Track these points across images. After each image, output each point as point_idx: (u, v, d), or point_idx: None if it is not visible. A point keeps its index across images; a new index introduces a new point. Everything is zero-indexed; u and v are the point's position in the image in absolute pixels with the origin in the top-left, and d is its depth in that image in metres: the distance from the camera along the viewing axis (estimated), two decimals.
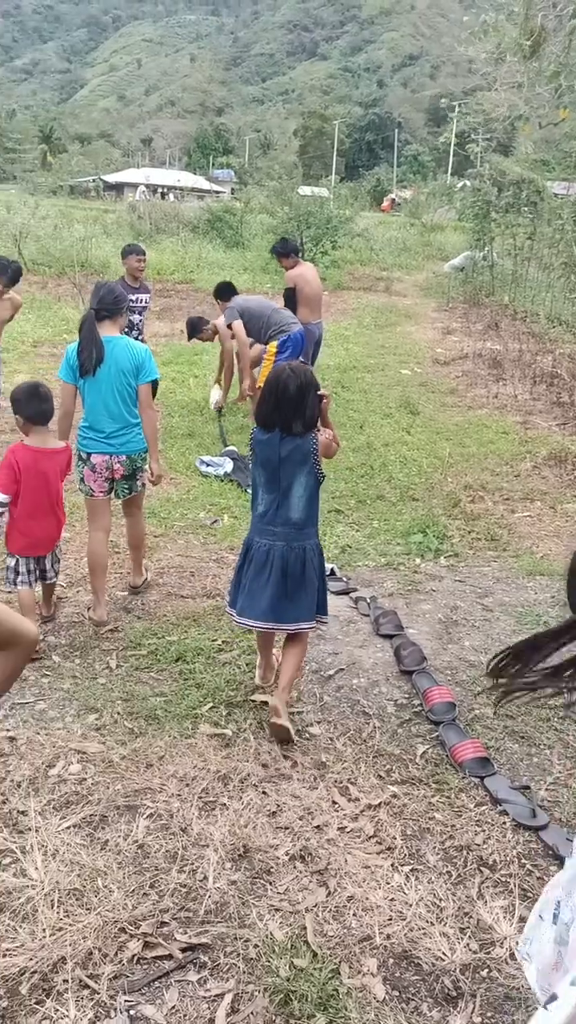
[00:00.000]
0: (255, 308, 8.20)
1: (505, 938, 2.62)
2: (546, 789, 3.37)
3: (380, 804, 3.21)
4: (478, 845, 3.03)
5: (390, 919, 2.68)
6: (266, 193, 25.35)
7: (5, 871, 2.75)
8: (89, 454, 4.55)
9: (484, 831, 3.10)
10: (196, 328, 9.25)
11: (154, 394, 5.06)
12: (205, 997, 2.37)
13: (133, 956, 2.48)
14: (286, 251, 9.18)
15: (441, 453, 8.01)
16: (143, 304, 8.51)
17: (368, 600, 4.92)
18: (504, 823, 3.15)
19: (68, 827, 2.99)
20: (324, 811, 3.16)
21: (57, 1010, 2.31)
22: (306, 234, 19.97)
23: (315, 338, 9.25)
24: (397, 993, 2.43)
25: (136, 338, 7.78)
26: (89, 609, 4.66)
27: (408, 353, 13.17)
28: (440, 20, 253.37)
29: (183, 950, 2.51)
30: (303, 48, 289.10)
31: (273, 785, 3.29)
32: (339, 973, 2.46)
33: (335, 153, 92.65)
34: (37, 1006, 2.32)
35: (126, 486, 4.73)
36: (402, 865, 2.92)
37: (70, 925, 2.56)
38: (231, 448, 7.76)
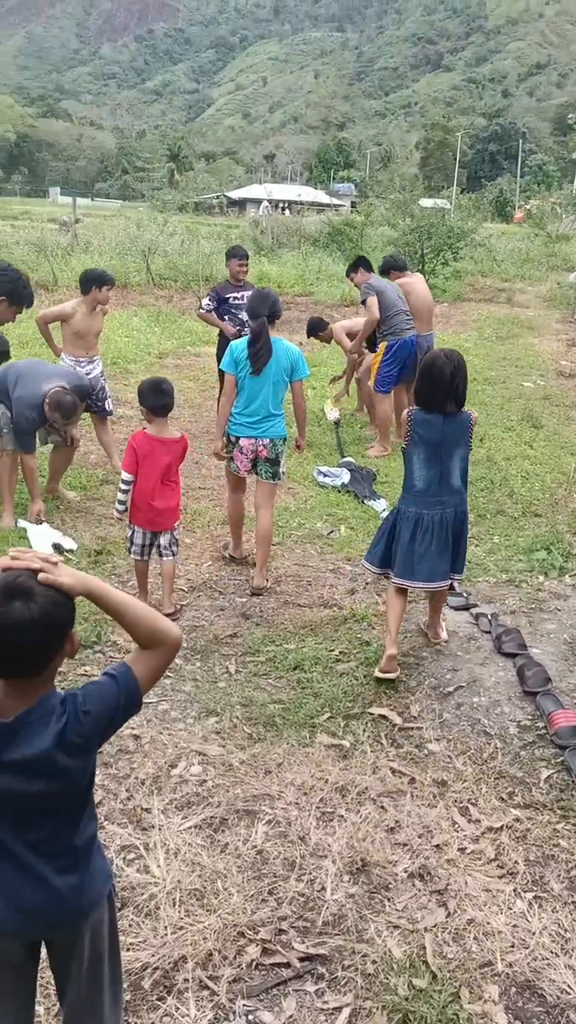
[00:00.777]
0: (389, 299, 8.14)
1: None
2: None
3: (502, 827, 3.12)
4: None
5: (512, 946, 2.60)
6: (387, 205, 25.32)
7: (130, 866, 2.82)
8: (238, 438, 5.20)
9: None
10: (316, 328, 9.38)
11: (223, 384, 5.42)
12: (323, 1009, 2.36)
13: (252, 961, 2.49)
14: (397, 266, 9.01)
15: (566, 468, 7.76)
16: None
17: (489, 617, 4.80)
18: None
19: (189, 827, 3.04)
20: (444, 830, 3.09)
21: (178, 1008, 2.34)
22: (427, 245, 19.81)
23: (424, 350, 9.17)
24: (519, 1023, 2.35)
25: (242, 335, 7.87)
26: (226, 548, 5.56)
27: (530, 365, 12.86)
28: (569, 28, 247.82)
29: (301, 959, 2.51)
30: (427, 60, 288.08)
31: (391, 800, 3.25)
32: (459, 997, 2.40)
33: (457, 164, 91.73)
34: (158, 1002, 2.36)
35: (270, 469, 5.25)
36: (525, 891, 2.83)
37: (191, 925, 2.60)
38: (348, 459, 7.75)
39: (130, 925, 2.58)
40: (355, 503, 6.82)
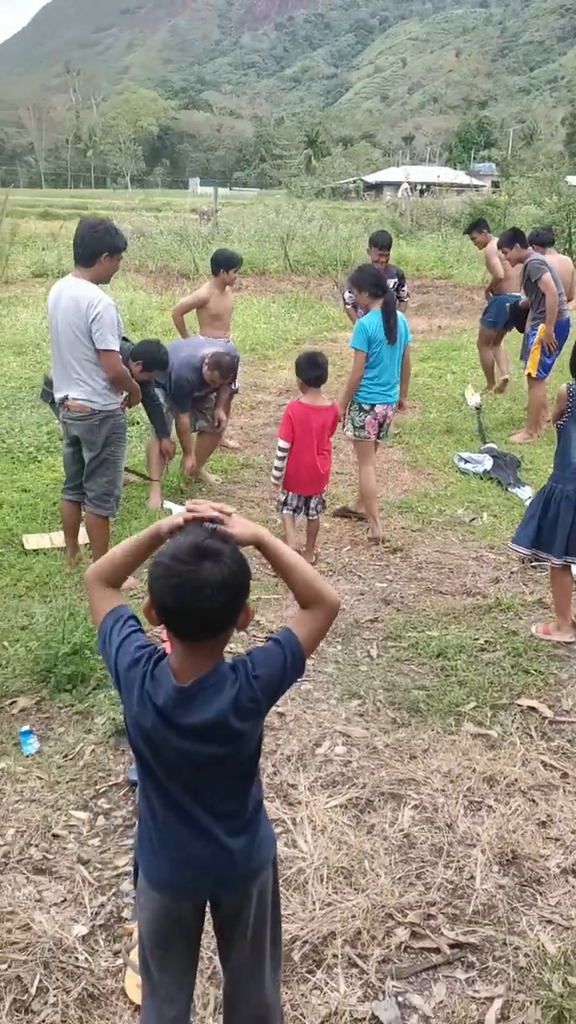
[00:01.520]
0: (554, 278, 7.72)
1: None
2: None
3: None
4: None
5: None
6: (531, 183, 24.48)
7: (278, 840, 2.86)
8: (373, 405, 5.60)
9: None
10: (477, 227, 9.44)
11: None
12: (474, 998, 2.32)
13: (401, 944, 2.49)
14: (545, 240, 8.64)
15: None
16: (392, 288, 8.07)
17: None
18: None
19: (335, 806, 3.06)
20: None
21: (327, 983, 2.36)
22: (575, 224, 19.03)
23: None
24: None
25: None
26: (368, 530, 5.73)
27: None
28: None
29: (451, 946, 2.48)
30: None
31: (542, 794, 3.16)
32: None
33: None
34: (308, 975, 2.39)
35: (387, 430, 5.90)
36: None
37: (339, 902, 2.61)
38: (491, 445, 7.56)
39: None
40: (498, 490, 6.65)
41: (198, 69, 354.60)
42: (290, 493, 5.17)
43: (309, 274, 18.46)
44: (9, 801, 3.10)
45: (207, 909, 1.85)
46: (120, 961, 2.45)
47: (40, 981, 2.38)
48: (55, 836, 2.94)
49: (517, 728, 3.57)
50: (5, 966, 2.42)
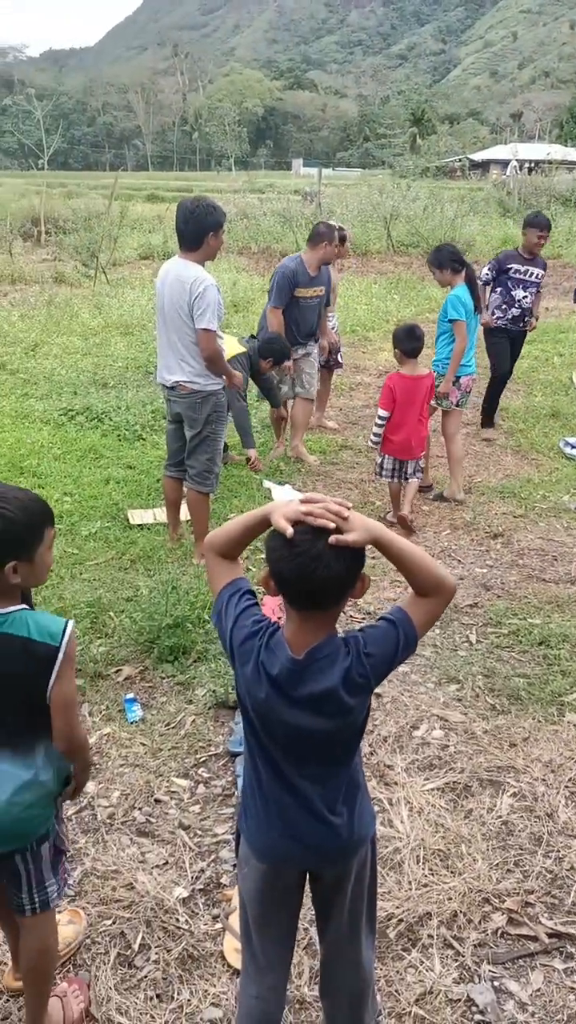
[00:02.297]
0: None
1: None
2: None
3: None
4: None
5: None
6: None
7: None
8: (459, 376, 5.94)
9: None
10: None
11: None
12: (572, 988, 2.29)
13: (498, 929, 2.47)
14: None
15: None
16: (535, 279, 7.43)
17: None
18: None
19: (432, 789, 3.05)
20: None
21: (423, 962, 2.37)
22: None
23: None
24: None
25: (519, 317, 7.51)
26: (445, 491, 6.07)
27: None
28: None
29: (549, 935, 2.45)
30: None
31: None
32: None
33: None
34: (403, 953, 2.40)
35: (467, 398, 6.16)
36: None
37: (435, 884, 2.61)
38: None
39: None
40: None
41: (304, 48, 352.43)
42: (386, 456, 5.48)
43: (412, 254, 18.20)
44: (114, 764, 3.22)
45: (307, 881, 1.88)
46: (219, 925, 2.52)
47: (143, 939, 2.47)
48: (157, 801, 3.03)
49: None
50: (110, 921, 2.52)
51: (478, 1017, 2.22)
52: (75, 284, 14.77)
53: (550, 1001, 2.27)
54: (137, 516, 5.49)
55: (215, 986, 2.32)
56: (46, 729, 1.91)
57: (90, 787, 3.08)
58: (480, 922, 2.49)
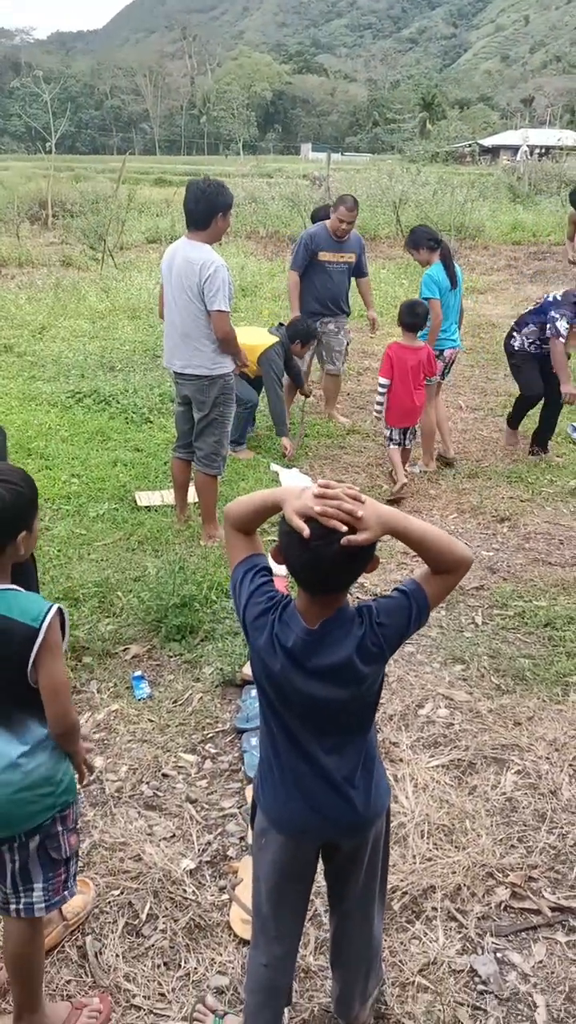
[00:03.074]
0: None
1: None
2: None
3: None
4: None
5: None
6: None
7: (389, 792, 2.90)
8: (442, 350, 6.26)
9: None
10: None
11: None
12: (574, 960, 2.32)
13: (501, 902, 2.50)
14: None
15: None
16: None
17: None
18: None
19: (437, 766, 3.07)
20: None
21: (426, 933, 2.40)
22: None
23: None
24: None
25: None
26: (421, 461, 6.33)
27: None
28: None
29: (552, 909, 2.47)
30: None
31: None
32: None
33: None
34: (407, 924, 2.44)
35: (451, 369, 6.61)
36: None
37: (440, 858, 2.64)
38: None
39: None
40: None
41: (313, 32, 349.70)
42: (394, 428, 5.89)
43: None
44: (122, 740, 3.25)
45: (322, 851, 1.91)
46: (225, 896, 2.55)
47: (150, 908, 2.50)
48: (165, 775, 3.07)
49: None
50: (118, 892, 2.56)
51: (481, 987, 2.26)
52: (82, 267, 14.75)
53: (552, 973, 2.30)
54: (144, 498, 5.51)
55: (221, 955, 2.36)
56: (37, 708, 1.90)
57: (98, 762, 3.12)
58: (484, 896, 2.52)
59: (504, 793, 2.94)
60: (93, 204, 17.77)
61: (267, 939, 1.95)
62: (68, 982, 2.28)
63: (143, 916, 2.48)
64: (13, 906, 1.97)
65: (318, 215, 7.58)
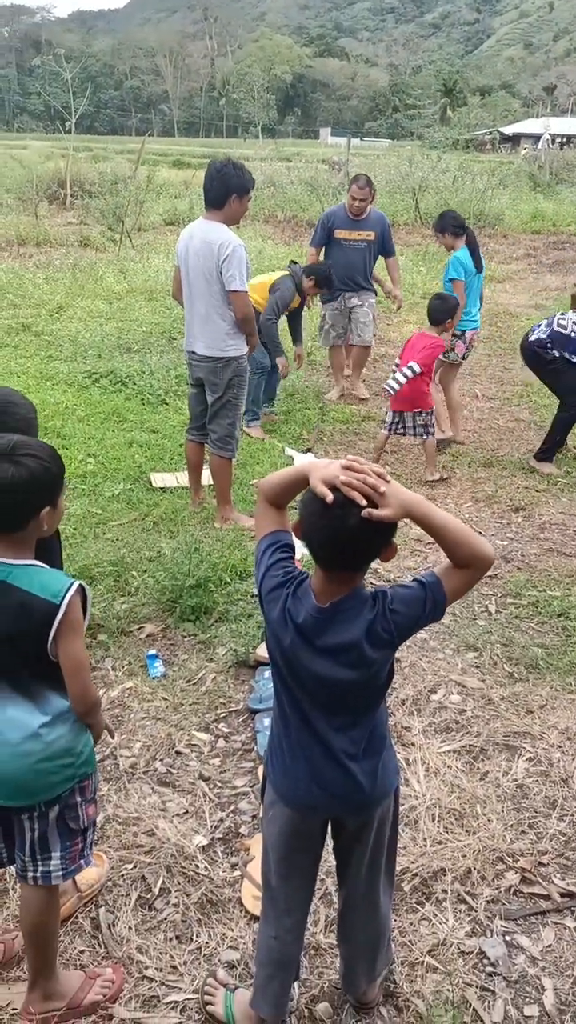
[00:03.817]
0: None
1: None
2: None
3: None
4: None
5: None
6: None
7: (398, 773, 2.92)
8: (463, 331, 6.36)
9: None
10: None
11: None
12: None
13: (510, 887, 2.52)
14: None
15: None
16: None
17: None
18: None
19: (448, 751, 3.09)
20: None
21: (436, 915, 2.42)
22: None
23: None
24: None
25: None
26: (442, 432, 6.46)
27: None
28: None
29: (562, 895, 2.49)
30: None
31: None
32: None
33: None
34: (417, 906, 2.46)
35: (471, 351, 6.77)
36: None
37: (450, 841, 2.66)
38: None
39: None
40: None
41: (335, 15, 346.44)
42: (390, 411, 5.94)
43: None
44: (136, 717, 3.28)
45: (330, 827, 1.93)
46: (237, 873, 2.57)
47: (163, 883, 2.53)
48: (178, 753, 3.09)
49: None
50: (132, 866, 2.58)
51: (489, 969, 2.27)
52: (100, 248, 14.73)
53: (560, 957, 2.31)
54: (160, 479, 5.52)
55: (233, 930, 2.38)
56: (58, 682, 1.92)
57: (112, 738, 3.14)
58: (493, 880, 2.54)
59: (515, 780, 2.96)
60: (112, 185, 17.71)
61: (276, 911, 1.98)
62: (81, 952, 2.31)
63: (156, 890, 2.51)
64: (31, 874, 2.00)
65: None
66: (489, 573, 4.53)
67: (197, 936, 2.37)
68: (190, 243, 4.63)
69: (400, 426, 5.91)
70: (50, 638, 1.86)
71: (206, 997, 2.14)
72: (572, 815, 2.81)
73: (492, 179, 20.59)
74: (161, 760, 3.05)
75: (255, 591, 1.84)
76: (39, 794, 1.93)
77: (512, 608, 4.22)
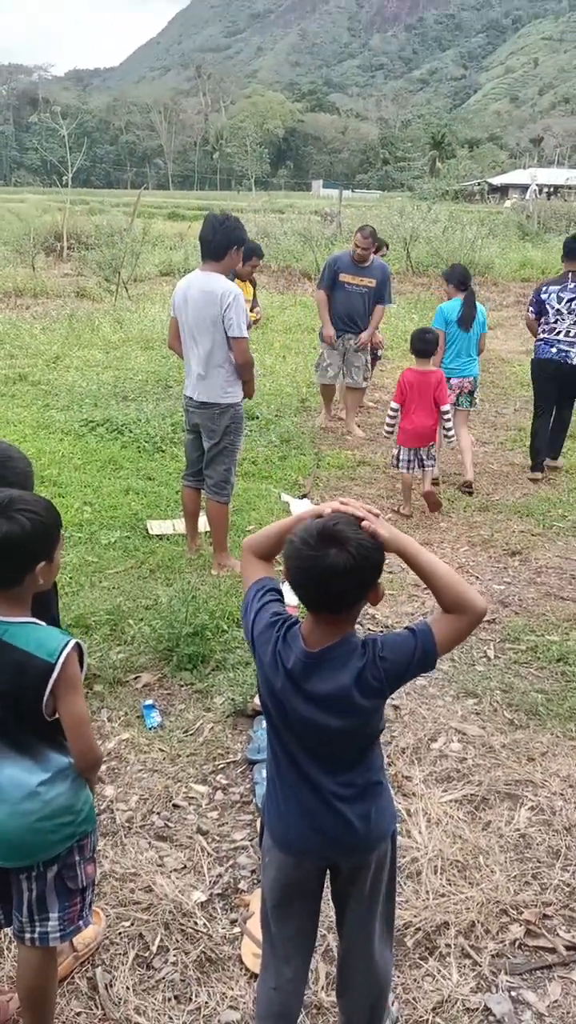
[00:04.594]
0: None
1: None
2: None
3: None
4: None
5: None
6: None
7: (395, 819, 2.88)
8: (449, 379, 6.54)
9: None
10: None
11: None
12: None
13: (515, 940, 2.47)
14: None
15: None
16: None
17: None
18: None
19: (450, 800, 3.05)
20: None
21: (440, 971, 2.37)
22: None
23: None
24: None
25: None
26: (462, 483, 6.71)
27: None
28: None
29: (567, 947, 2.44)
30: None
31: None
32: None
33: None
34: (420, 961, 2.41)
35: (468, 400, 6.85)
36: None
37: (453, 894, 2.62)
38: None
39: None
40: None
41: (326, 71, 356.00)
42: (402, 448, 6.11)
43: (432, 275, 18.30)
44: (133, 769, 3.24)
45: (328, 874, 1.91)
46: (237, 929, 2.52)
47: (161, 940, 2.48)
48: (175, 806, 3.05)
49: None
50: (129, 923, 2.53)
51: None
52: (96, 299, 14.93)
53: (567, 1012, 2.26)
54: (156, 527, 5.53)
55: (233, 989, 2.33)
56: (56, 739, 1.91)
57: (108, 791, 3.11)
58: (498, 933, 2.49)
59: (518, 829, 2.92)
60: (108, 237, 18.00)
61: (276, 960, 1.94)
62: (78, 1014, 2.26)
63: (154, 948, 2.46)
64: (28, 935, 1.96)
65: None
66: (487, 618, 4.56)
67: (196, 996, 2.32)
68: (188, 293, 4.71)
69: (420, 461, 6.15)
70: (45, 697, 1.84)
71: None
72: None
73: (481, 229, 20.96)
74: (158, 813, 3.00)
75: (246, 636, 1.84)
76: (38, 854, 1.90)
77: (511, 653, 4.21)
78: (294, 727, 1.75)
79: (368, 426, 8.30)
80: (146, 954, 2.44)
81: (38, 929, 1.95)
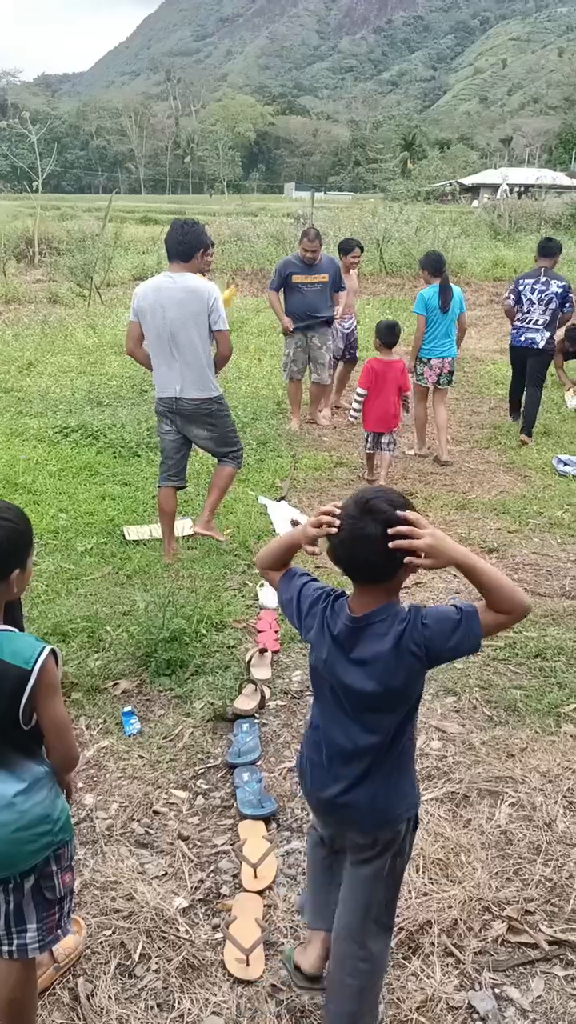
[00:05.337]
0: None
1: None
2: None
3: None
4: None
5: None
6: None
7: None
8: (429, 359, 7.18)
9: None
10: None
11: None
12: (573, 995, 2.30)
13: (498, 937, 2.47)
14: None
15: None
16: None
17: None
18: None
19: (431, 799, 3.05)
20: None
21: (423, 970, 2.37)
22: None
23: None
24: None
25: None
26: (411, 449, 7.56)
27: None
28: None
29: (550, 943, 2.45)
30: None
31: None
32: None
33: None
34: (404, 961, 2.40)
35: (448, 379, 7.32)
36: None
37: (435, 892, 2.62)
38: None
39: None
40: None
41: (296, 74, 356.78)
42: (370, 433, 6.56)
43: (404, 275, 18.37)
44: (112, 777, 3.21)
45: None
46: (219, 935, 2.51)
47: (143, 948, 2.46)
48: (156, 813, 3.03)
49: None
50: (110, 932, 2.51)
51: None
52: (69, 304, 14.85)
53: (551, 1008, 2.27)
54: (133, 532, 5.50)
55: (216, 995, 2.31)
56: (31, 750, 1.89)
57: (88, 799, 3.08)
58: (480, 930, 2.50)
59: (499, 826, 2.93)
60: (80, 242, 17.92)
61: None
62: None
63: (135, 956, 2.44)
64: (6, 947, 1.93)
65: (342, 247, 8.97)
66: None
67: (179, 1003, 2.30)
68: (164, 295, 4.75)
69: (379, 444, 6.59)
70: (22, 705, 1.82)
71: None
72: (557, 860, 2.77)
73: (454, 229, 21.09)
74: (138, 821, 2.98)
75: (294, 620, 1.94)
76: (16, 864, 1.88)
77: (489, 650, 4.22)
78: (337, 694, 1.84)
79: (344, 427, 8.30)
80: (128, 962, 2.42)
81: (16, 941, 1.93)
